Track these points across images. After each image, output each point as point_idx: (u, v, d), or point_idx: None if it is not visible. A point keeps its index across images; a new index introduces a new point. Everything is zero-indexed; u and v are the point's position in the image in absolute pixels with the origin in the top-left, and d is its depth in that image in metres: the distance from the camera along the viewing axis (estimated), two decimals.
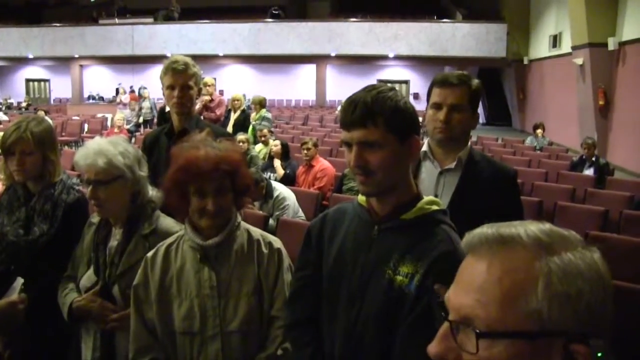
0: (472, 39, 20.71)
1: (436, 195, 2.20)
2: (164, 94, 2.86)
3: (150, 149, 2.87)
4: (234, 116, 8.55)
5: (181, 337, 1.77)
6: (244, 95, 10.55)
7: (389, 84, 1.54)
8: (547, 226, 0.80)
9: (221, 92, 17.00)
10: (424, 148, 2.28)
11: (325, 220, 1.64)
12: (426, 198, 1.52)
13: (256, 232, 1.91)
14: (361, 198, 1.56)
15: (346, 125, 1.45)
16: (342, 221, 1.60)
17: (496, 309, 0.77)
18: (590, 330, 0.75)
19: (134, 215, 2.10)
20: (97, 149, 2.01)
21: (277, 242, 1.91)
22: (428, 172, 2.27)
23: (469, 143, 2.28)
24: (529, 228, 0.79)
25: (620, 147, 12.00)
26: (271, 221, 4.77)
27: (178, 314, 1.77)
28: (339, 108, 20.44)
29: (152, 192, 2.12)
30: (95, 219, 2.18)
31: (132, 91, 20.84)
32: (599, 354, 0.74)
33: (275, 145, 7.36)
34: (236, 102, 8.62)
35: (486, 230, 0.82)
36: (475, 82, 2.21)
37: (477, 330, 0.77)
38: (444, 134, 2.17)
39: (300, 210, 5.43)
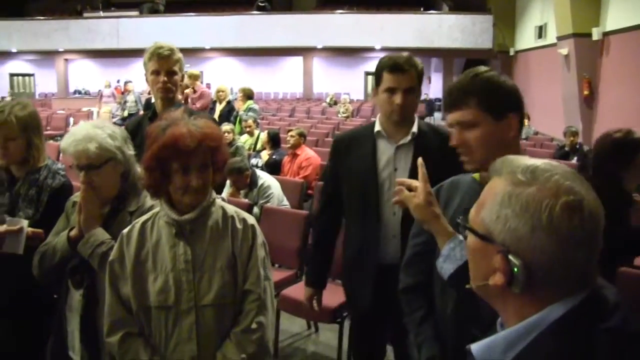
0: (458, 31, 20.74)
1: (396, 169, 2.42)
2: (147, 80, 2.87)
3: (133, 134, 2.86)
4: (219, 107, 8.56)
5: (156, 311, 1.78)
6: (231, 89, 10.54)
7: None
8: (536, 166, 0.96)
9: (208, 85, 16.95)
10: (377, 128, 2.48)
11: (440, 191, 1.74)
12: None
13: (230, 208, 1.92)
14: (476, 174, 1.67)
15: (447, 109, 1.59)
16: (456, 193, 1.72)
17: (474, 212, 1.02)
18: (515, 250, 0.92)
19: (123, 193, 2.12)
20: (86, 134, 2.02)
21: (250, 219, 1.92)
22: (384, 149, 2.47)
23: (416, 117, 2.50)
24: (519, 163, 0.98)
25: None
26: (255, 209, 4.77)
27: (153, 288, 1.78)
28: (327, 100, 20.54)
29: (139, 170, 2.11)
30: (77, 198, 2.17)
31: (118, 86, 20.72)
32: (515, 269, 0.92)
33: (264, 134, 7.40)
34: (221, 93, 8.62)
35: (496, 162, 1.03)
36: (419, 62, 2.42)
37: (458, 220, 1.10)
38: (401, 116, 2.39)
39: (285, 199, 5.44)
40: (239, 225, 1.87)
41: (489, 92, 1.52)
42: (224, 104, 8.71)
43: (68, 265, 2.09)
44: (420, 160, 1.63)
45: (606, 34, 12.28)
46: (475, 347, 1.00)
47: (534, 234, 0.90)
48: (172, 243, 1.80)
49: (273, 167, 6.81)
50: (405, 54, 2.44)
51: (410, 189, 1.62)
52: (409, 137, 2.43)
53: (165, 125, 1.75)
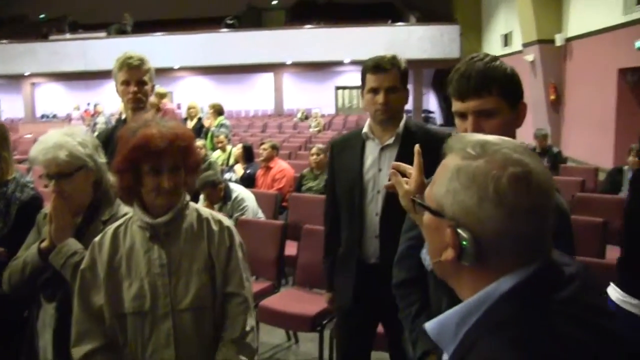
0: (426, 41, 21.02)
1: (380, 170, 2.42)
2: (117, 91, 2.83)
3: (104, 145, 2.83)
4: (190, 124, 8.51)
5: (132, 317, 1.74)
6: (202, 108, 10.50)
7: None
8: (486, 140, 0.97)
9: (178, 106, 16.84)
10: (365, 129, 2.50)
11: None
12: None
13: (205, 211, 1.90)
14: None
15: (461, 96, 1.50)
16: None
17: (428, 189, 1.02)
18: (464, 223, 0.93)
19: (96, 202, 2.08)
20: (56, 142, 1.98)
21: (226, 221, 1.90)
22: (371, 150, 2.49)
23: (404, 116, 2.50)
24: (471, 139, 0.99)
25: (572, 139, 12.32)
26: (231, 222, 4.71)
27: (128, 294, 1.75)
28: (298, 115, 20.56)
29: (112, 178, 2.08)
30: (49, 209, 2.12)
31: (87, 109, 20.53)
32: (464, 242, 0.92)
33: (238, 148, 7.36)
34: (192, 109, 8.60)
35: (450, 139, 1.03)
36: (403, 62, 2.45)
37: (413, 198, 1.16)
38: (385, 115, 2.40)
39: (260, 211, 5.40)
40: (214, 227, 1.85)
41: (508, 79, 1.48)
42: (195, 120, 8.70)
43: (40, 278, 2.04)
44: (417, 147, 1.58)
45: (569, 40, 12.59)
46: (429, 325, 1.00)
47: (481, 206, 0.91)
48: (146, 247, 1.77)
49: (247, 181, 6.78)
50: (389, 54, 2.45)
51: (404, 175, 1.57)
52: (393, 138, 2.45)
53: (136, 127, 1.73)
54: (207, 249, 1.81)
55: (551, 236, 0.96)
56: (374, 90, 2.39)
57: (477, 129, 1.46)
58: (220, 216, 1.91)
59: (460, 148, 0.97)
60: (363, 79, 2.46)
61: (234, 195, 5.19)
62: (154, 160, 1.69)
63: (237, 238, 1.89)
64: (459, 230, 0.93)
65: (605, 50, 10.99)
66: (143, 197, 1.76)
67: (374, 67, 2.39)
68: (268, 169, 6.72)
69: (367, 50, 16.95)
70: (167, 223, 1.77)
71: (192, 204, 1.88)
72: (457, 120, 1.58)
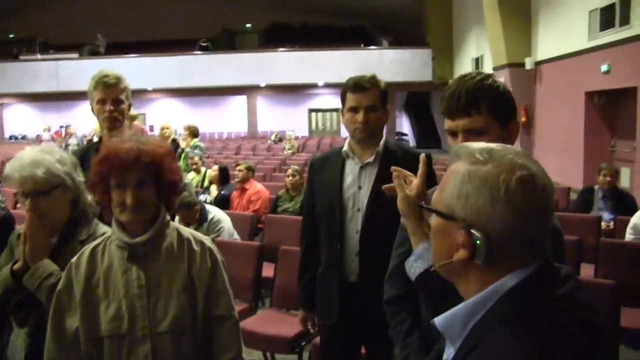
0: (399, 65, 21.28)
1: (360, 188, 2.44)
2: (92, 110, 2.78)
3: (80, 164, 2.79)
4: None
5: (108, 341, 1.68)
6: (175, 130, 10.45)
7: (480, 73, 1.55)
8: (492, 147, 1.04)
9: (151, 128, 16.74)
10: (345, 148, 2.53)
11: None
12: None
13: (186, 231, 1.86)
14: None
15: (451, 114, 1.50)
16: None
17: (437, 194, 1.07)
18: (476, 223, 0.98)
19: (73, 221, 2.01)
20: (33, 159, 1.92)
21: (208, 241, 1.86)
22: (350, 168, 2.51)
23: (384, 136, 2.54)
24: (477, 146, 1.04)
25: (542, 160, 12.33)
26: None
27: (105, 316, 1.69)
28: (271, 137, 20.58)
29: (90, 197, 2.02)
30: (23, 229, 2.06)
31: (58, 130, 20.24)
32: (477, 242, 0.98)
33: (214, 170, 7.31)
34: (165, 130, 8.50)
35: (454, 148, 1.10)
36: (383, 82, 2.49)
37: (422, 204, 1.19)
38: (365, 133, 2.43)
39: (235, 232, 5.36)
40: (196, 248, 1.80)
41: (499, 98, 1.49)
42: (169, 142, 8.62)
43: (12, 301, 1.96)
44: (422, 156, 1.59)
45: (538, 63, 12.90)
46: (438, 320, 1.06)
47: (493, 207, 0.97)
48: (124, 268, 1.72)
49: (222, 202, 6.72)
50: (369, 73, 2.48)
51: (405, 181, 1.57)
52: (373, 156, 2.47)
53: (113, 141, 1.71)
54: (187, 269, 1.76)
55: (550, 238, 1.03)
56: (354, 109, 2.42)
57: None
58: (202, 236, 1.87)
59: (468, 154, 1.03)
60: (343, 98, 2.48)
61: (209, 217, 5.15)
62: (118, 174, 1.66)
63: (220, 258, 1.85)
64: (473, 231, 0.98)
65: (573, 73, 11.27)
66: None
67: (354, 86, 2.42)
68: (243, 190, 6.68)
69: (340, 73, 17.13)
70: (146, 242, 1.72)
71: (172, 223, 1.84)
72: (449, 138, 1.58)
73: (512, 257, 0.99)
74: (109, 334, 1.68)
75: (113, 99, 2.71)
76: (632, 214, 5.14)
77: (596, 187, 5.92)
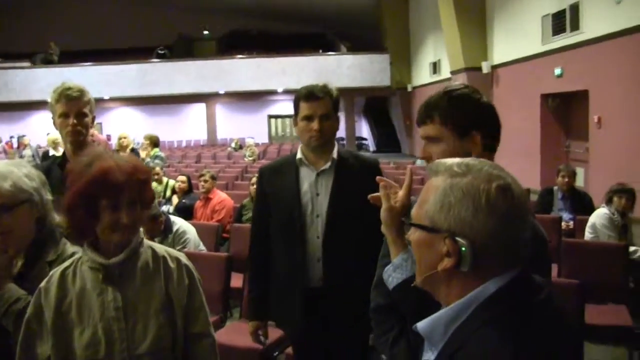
0: (357, 70, 21.44)
1: (318, 194, 2.52)
2: (54, 123, 2.70)
3: None
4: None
5: None
6: (133, 139, 10.25)
7: (462, 84, 1.67)
8: (468, 161, 1.10)
9: (108, 137, 16.41)
10: (299, 155, 2.59)
11: None
12: None
13: (161, 248, 1.80)
14: None
15: (417, 122, 1.66)
16: None
17: (417, 210, 1.13)
18: (460, 232, 1.03)
19: (40, 242, 1.89)
20: (0, 172, 1.80)
21: (184, 257, 1.81)
22: (306, 175, 2.58)
23: (336, 143, 2.62)
24: (453, 161, 1.10)
25: (501, 163, 12.61)
26: None
27: (80, 342, 1.62)
28: (232, 145, 20.43)
29: (57, 217, 1.93)
30: None
31: (9, 141, 19.65)
32: (463, 249, 1.03)
33: (182, 181, 7.19)
34: (123, 139, 8.29)
35: (430, 165, 1.16)
36: (334, 90, 2.56)
37: (403, 219, 1.32)
38: (320, 141, 2.50)
39: (201, 243, 5.28)
40: (172, 265, 1.75)
41: (452, 109, 1.56)
42: (128, 152, 8.44)
43: None
44: (409, 168, 1.69)
45: (494, 67, 13.18)
46: (420, 324, 1.12)
47: (476, 216, 1.02)
48: (99, 290, 1.65)
49: (183, 212, 6.60)
50: (321, 83, 2.55)
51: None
52: (329, 163, 2.54)
53: (89, 161, 1.63)
54: (164, 288, 1.71)
55: (527, 247, 1.08)
56: (308, 118, 2.48)
57: (425, 151, 1.62)
58: (177, 253, 1.82)
59: (447, 169, 1.09)
60: (296, 107, 2.54)
61: (174, 228, 5.06)
62: (112, 195, 1.60)
63: (197, 275, 1.81)
64: (458, 239, 1.03)
65: (528, 77, 11.54)
66: (97, 235, 1.65)
67: (307, 95, 2.49)
68: (208, 200, 6.60)
69: (299, 79, 17.22)
70: (122, 263, 1.66)
71: (146, 241, 1.78)
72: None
73: (493, 263, 1.05)
74: None
75: (76, 113, 2.63)
76: (589, 213, 5.31)
77: (555, 188, 6.08)
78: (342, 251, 2.50)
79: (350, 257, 2.50)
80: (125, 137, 8.35)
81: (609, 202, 4.93)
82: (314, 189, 2.54)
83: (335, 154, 2.56)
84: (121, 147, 8.32)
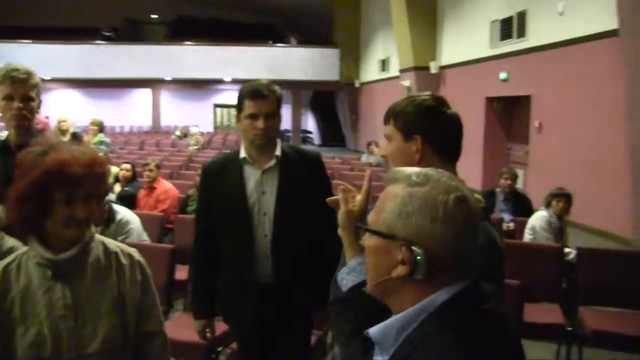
0: (306, 63, 21.44)
1: (264, 193, 2.54)
2: None
3: None
4: (63, 140, 7.90)
5: None
6: (74, 123, 9.85)
7: (429, 94, 1.81)
8: (426, 171, 1.12)
9: (47, 119, 15.83)
10: (242, 155, 2.57)
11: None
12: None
13: (112, 243, 1.74)
14: None
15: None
16: None
17: (373, 216, 1.14)
18: (417, 241, 1.05)
19: None
20: None
21: (136, 254, 1.76)
22: (251, 174, 2.57)
23: (278, 141, 2.63)
24: (412, 171, 1.12)
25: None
26: None
27: (22, 342, 1.54)
28: (176, 133, 20.08)
29: None
30: None
31: None
32: (418, 257, 1.04)
33: (127, 169, 6.96)
34: (63, 123, 7.97)
35: (389, 172, 1.17)
36: (278, 88, 2.57)
37: (359, 224, 1.35)
38: (264, 140, 2.50)
39: (145, 233, 5.16)
40: (124, 262, 1.70)
41: (402, 113, 1.68)
42: (68, 136, 8.10)
43: None
44: (368, 171, 1.75)
45: (442, 68, 13.43)
46: (372, 330, 1.14)
47: (433, 225, 1.04)
48: (46, 287, 1.57)
49: (125, 201, 6.41)
50: (264, 80, 2.56)
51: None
52: (273, 161, 2.55)
53: (42, 151, 1.55)
54: (116, 285, 1.66)
55: (478, 257, 1.12)
56: (253, 116, 2.47)
57: (384, 148, 1.76)
58: (130, 249, 1.76)
59: (405, 177, 1.11)
60: (240, 104, 2.52)
61: (118, 218, 4.92)
62: (68, 188, 1.52)
63: (149, 272, 1.76)
64: (414, 248, 1.05)
65: (475, 79, 11.82)
66: (45, 230, 1.57)
67: (252, 93, 2.48)
68: (152, 189, 6.45)
69: (248, 69, 17.09)
70: (72, 259, 1.59)
71: (97, 236, 1.71)
72: None
73: (446, 272, 1.07)
74: None
75: (22, 96, 2.50)
76: (529, 215, 5.50)
77: (497, 190, 6.25)
78: (291, 248, 2.52)
79: (299, 252, 2.54)
80: (64, 121, 8.03)
81: (547, 205, 5.12)
82: (260, 188, 2.55)
83: (278, 151, 2.56)
84: (61, 131, 7.99)
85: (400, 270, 1.07)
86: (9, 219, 1.58)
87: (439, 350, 1.01)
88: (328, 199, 1.67)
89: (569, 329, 3.99)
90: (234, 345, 3.40)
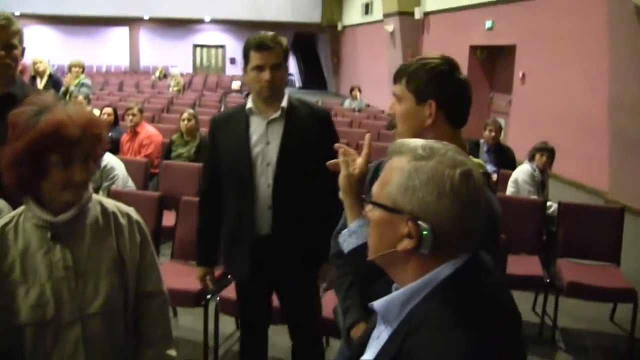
0: (288, 4, 21.00)
1: (268, 143, 2.57)
2: None
3: None
4: (41, 83, 7.57)
5: (31, 329, 1.53)
6: (52, 65, 9.49)
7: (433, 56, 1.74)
8: (432, 144, 1.11)
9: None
10: (249, 105, 2.60)
11: (381, 165, 1.72)
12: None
13: (110, 203, 1.72)
14: None
15: (393, 81, 1.74)
16: None
17: (378, 189, 1.13)
18: (423, 216, 1.05)
19: None
20: None
21: (134, 213, 1.74)
22: (256, 125, 2.60)
23: (286, 92, 2.65)
24: (417, 143, 1.12)
25: None
26: (100, 193, 4.46)
27: (25, 302, 1.53)
28: (155, 74, 19.70)
29: None
30: None
31: None
32: (424, 232, 1.05)
33: (108, 114, 6.81)
34: (39, 64, 7.59)
35: (393, 144, 1.16)
36: (284, 40, 2.58)
37: (363, 196, 1.35)
38: (271, 91, 2.51)
39: (130, 179, 5.15)
40: (123, 221, 1.68)
41: (416, 75, 1.65)
42: (45, 78, 7.76)
43: None
44: (368, 136, 1.73)
45: (427, 14, 13.25)
46: (376, 304, 1.14)
47: (440, 200, 1.05)
48: (46, 248, 1.55)
49: (110, 146, 6.34)
50: (270, 33, 2.55)
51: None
52: (278, 112, 2.56)
53: (37, 111, 1.49)
54: (115, 246, 1.64)
55: (481, 230, 1.11)
56: (259, 68, 2.48)
57: (392, 108, 1.74)
58: (128, 208, 1.74)
59: (410, 150, 1.11)
60: (246, 57, 2.53)
61: (102, 164, 4.87)
62: (65, 150, 1.48)
63: (147, 231, 1.75)
64: (420, 222, 1.05)
65: (459, 27, 11.71)
66: (43, 192, 1.54)
67: (258, 45, 2.48)
68: (135, 134, 6.37)
69: (228, 9, 16.67)
70: (71, 220, 1.56)
71: (95, 196, 1.68)
72: None
73: (451, 247, 1.08)
74: (31, 322, 1.53)
75: (4, 44, 2.38)
76: (512, 167, 5.59)
77: (481, 141, 6.30)
78: (291, 198, 2.56)
79: (300, 204, 2.59)
80: (40, 62, 7.64)
81: (531, 159, 5.19)
82: (265, 138, 2.57)
83: (285, 103, 2.58)
84: (37, 73, 7.69)
85: (407, 244, 1.07)
86: (4, 182, 1.53)
87: (444, 327, 1.02)
88: (328, 162, 1.69)
89: (547, 280, 4.13)
90: (224, 292, 3.47)
